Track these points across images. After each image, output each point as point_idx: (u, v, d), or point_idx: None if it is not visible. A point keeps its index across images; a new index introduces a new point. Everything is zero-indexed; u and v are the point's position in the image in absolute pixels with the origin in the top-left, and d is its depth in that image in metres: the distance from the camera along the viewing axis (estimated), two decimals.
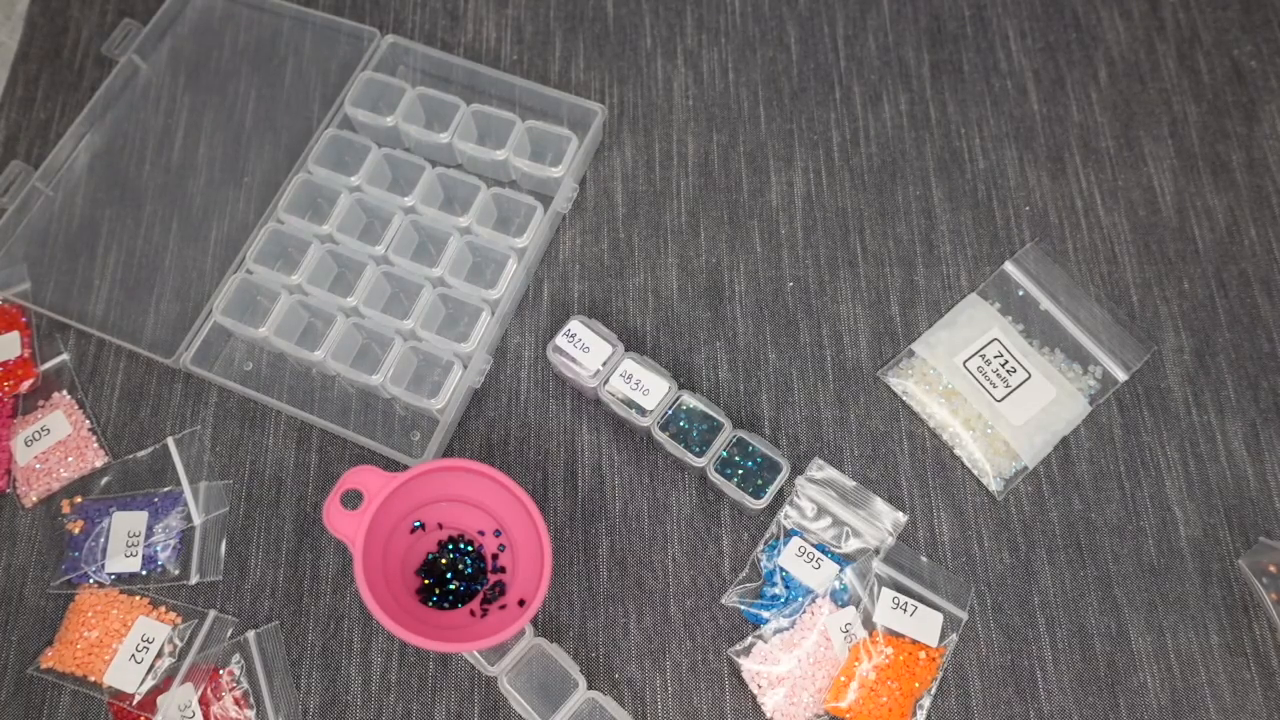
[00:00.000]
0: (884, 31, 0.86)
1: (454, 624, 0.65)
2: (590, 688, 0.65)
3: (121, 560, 0.69)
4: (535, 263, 0.77)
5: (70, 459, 0.72)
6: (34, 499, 0.72)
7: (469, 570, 0.67)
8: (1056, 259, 0.77)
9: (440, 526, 0.68)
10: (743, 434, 0.69)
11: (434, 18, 0.87)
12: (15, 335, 0.75)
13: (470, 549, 0.68)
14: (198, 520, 0.71)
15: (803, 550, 0.68)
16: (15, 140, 0.83)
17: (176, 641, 0.67)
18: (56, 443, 0.72)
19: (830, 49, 0.85)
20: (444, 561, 0.67)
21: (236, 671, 0.66)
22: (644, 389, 0.70)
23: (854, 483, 0.70)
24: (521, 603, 0.63)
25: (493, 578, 0.67)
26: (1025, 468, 0.71)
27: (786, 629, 0.66)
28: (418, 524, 0.68)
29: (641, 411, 0.69)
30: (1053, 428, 0.72)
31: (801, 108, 0.83)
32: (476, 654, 0.65)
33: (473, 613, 0.66)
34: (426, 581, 0.67)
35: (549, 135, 0.77)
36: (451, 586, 0.67)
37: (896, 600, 0.66)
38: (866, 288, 0.77)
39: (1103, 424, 0.73)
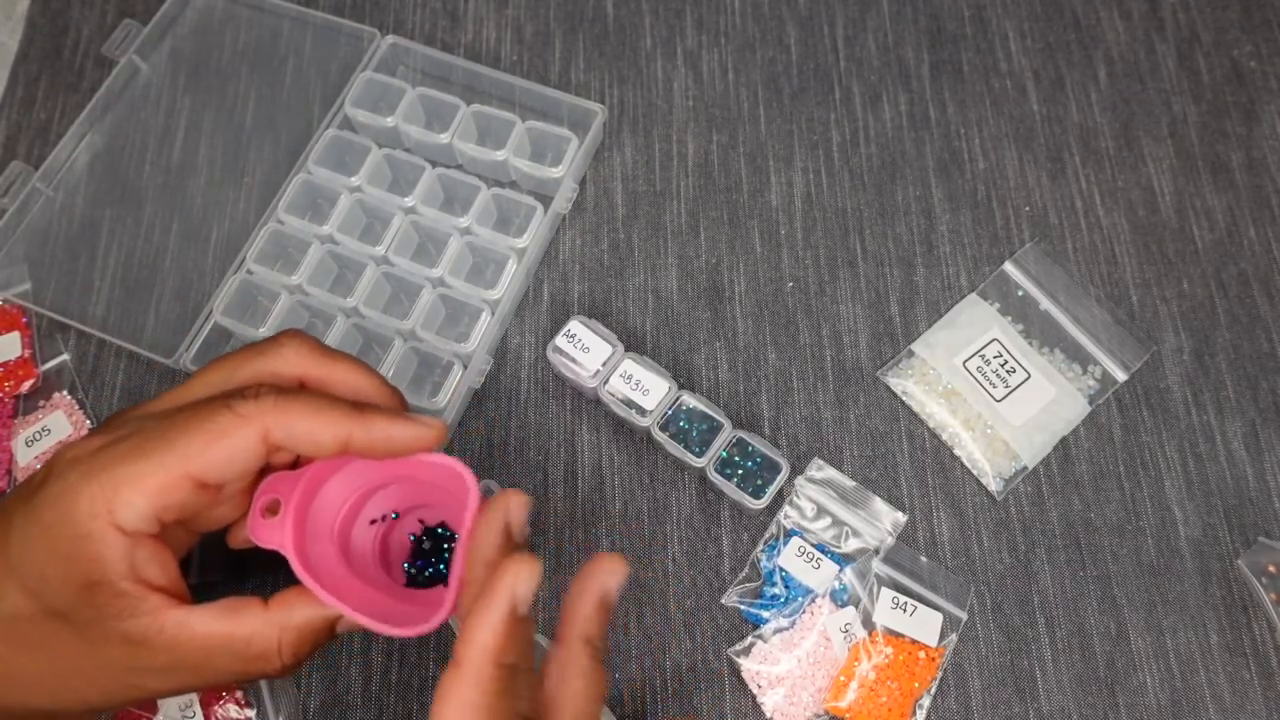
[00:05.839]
0: (884, 31, 0.86)
1: (426, 600, 0.62)
2: None
3: None
4: (535, 263, 0.77)
5: None
6: None
7: (447, 552, 0.65)
8: (1056, 259, 0.77)
9: (422, 522, 0.66)
10: (743, 434, 0.69)
11: (434, 18, 0.87)
12: (15, 335, 0.75)
13: (443, 531, 0.65)
14: None
15: (802, 550, 0.68)
16: (15, 140, 0.83)
17: None
18: (57, 443, 0.72)
19: (830, 49, 0.85)
20: (425, 547, 0.65)
21: None
22: (644, 389, 0.70)
23: (854, 483, 0.70)
24: None
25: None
26: (1025, 468, 0.71)
27: (786, 629, 0.67)
28: (394, 515, 0.64)
29: (641, 411, 0.69)
30: (1052, 428, 0.72)
31: (801, 108, 0.83)
32: None
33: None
34: (412, 571, 0.65)
35: (549, 135, 0.77)
36: (429, 572, 0.64)
37: (896, 600, 0.66)
38: (866, 288, 0.77)
39: (1102, 424, 0.73)
